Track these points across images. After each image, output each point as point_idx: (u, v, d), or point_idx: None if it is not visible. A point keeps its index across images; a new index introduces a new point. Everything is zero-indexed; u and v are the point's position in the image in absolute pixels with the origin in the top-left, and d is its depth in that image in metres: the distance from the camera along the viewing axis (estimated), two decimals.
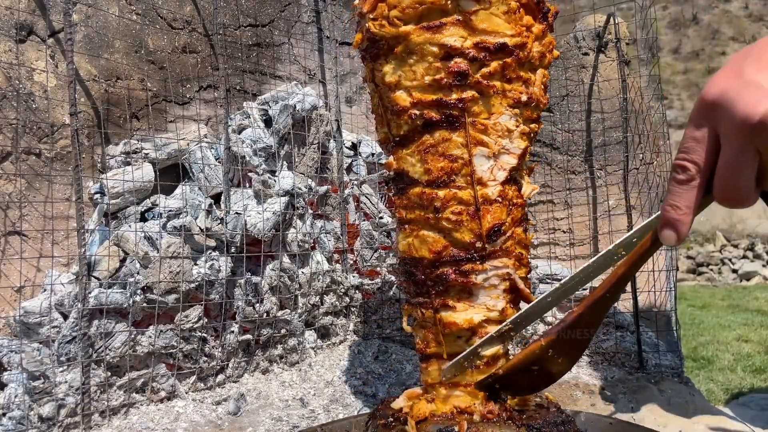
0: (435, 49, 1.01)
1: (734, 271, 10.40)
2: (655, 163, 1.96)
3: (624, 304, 1.92)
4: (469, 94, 1.02)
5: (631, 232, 0.93)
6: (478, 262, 1.06)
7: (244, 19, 1.89)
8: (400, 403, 1.10)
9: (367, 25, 1.03)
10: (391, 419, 1.07)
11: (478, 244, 1.05)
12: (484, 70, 1.02)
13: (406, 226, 1.09)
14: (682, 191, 0.78)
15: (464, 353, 1.06)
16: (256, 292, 1.66)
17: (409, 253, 1.08)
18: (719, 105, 0.72)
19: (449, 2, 0.99)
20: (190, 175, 1.64)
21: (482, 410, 1.04)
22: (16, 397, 1.29)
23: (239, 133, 1.75)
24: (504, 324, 1.04)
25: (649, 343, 1.84)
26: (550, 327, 1.02)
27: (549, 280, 1.96)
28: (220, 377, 1.61)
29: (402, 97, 1.04)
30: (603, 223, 2.02)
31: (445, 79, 1.01)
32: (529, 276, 1.15)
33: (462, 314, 1.07)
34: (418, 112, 1.03)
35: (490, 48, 1.01)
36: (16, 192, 1.45)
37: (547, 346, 0.99)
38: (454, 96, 1.02)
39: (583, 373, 1.80)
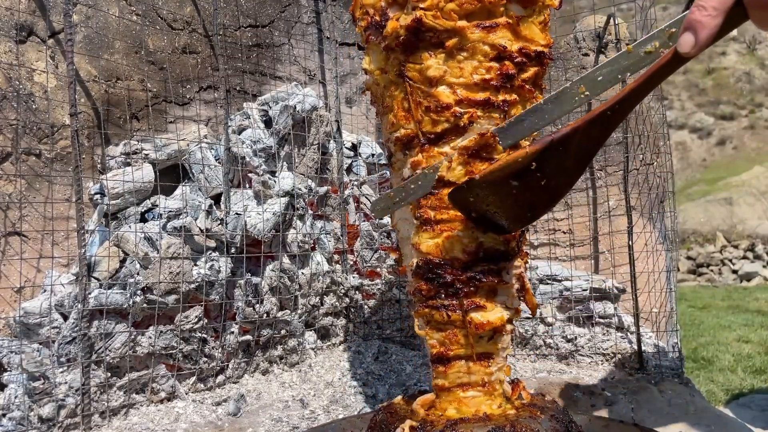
0: (487, 48, 1.01)
1: (734, 271, 10.40)
2: (655, 164, 1.96)
3: (624, 305, 1.92)
4: (512, 96, 1.04)
5: (598, 66, 0.84)
6: (509, 262, 1.08)
7: (244, 20, 1.89)
8: (417, 410, 1.09)
9: (417, 14, 0.99)
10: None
11: (513, 244, 1.07)
12: (524, 75, 1.04)
13: (436, 226, 1.06)
14: None
15: (396, 188, 1.03)
16: (256, 293, 1.66)
17: (437, 254, 1.05)
18: None
19: (501, 5, 1.00)
20: (190, 175, 1.64)
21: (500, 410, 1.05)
22: (16, 397, 1.29)
23: (239, 133, 1.75)
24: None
25: (650, 343, 1.84)
26: (542, 137, 0.89)
27: (549, 281, 1.96)
28: (220, 378, 1.61)
29: (445, 94, 1.02)
30: (603, 223, 2.02)
31: (494, 80, 1.02)
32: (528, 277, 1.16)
33: (492, 314, 1.07)
34: (462, 110, 1.02)
35: (530, 54, 1.03)
36: (16, 192, 1.45)
37: (532, 155, 0.86)
38: (501, 97, 1.03)
39: (583, 374, 1.80)
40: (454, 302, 1.06)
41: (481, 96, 1.02)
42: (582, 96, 0.85)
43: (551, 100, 0.87)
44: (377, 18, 1.05)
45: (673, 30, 0.78)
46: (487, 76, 1.01)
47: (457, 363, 1.07)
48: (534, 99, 1.07)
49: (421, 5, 0.99)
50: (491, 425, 0.98)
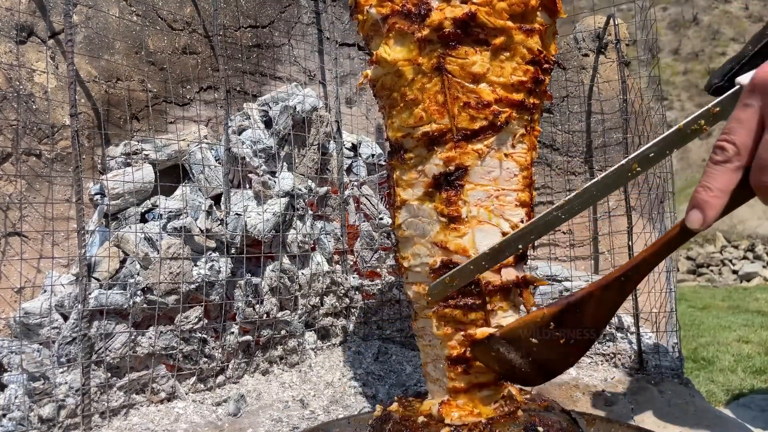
0: (525, 51, 1.03)
1: (734, 272, 10.40)
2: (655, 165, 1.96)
3: (624, 305, 1.92)
4: (537, 101, 1.07)
5: (649, 144, 0.86)
6: (524, 263, 1.12)
7: (244, 21, 1.89)
8: (440, 415, 1.09)
9: (470, 9, 0.99)
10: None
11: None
12: (546, 81, 1.08)
13: (467, 224, 1.06)
14: (716, 172, 0.74)
15: (452, 272, 1.02)
16: (256, 293, 1.66)
17: (464, 254, 1.05)
18: None
19: (536, 12, 1.03)
20: (191, 176, 1.64)
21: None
22: (16, 398, 1.29)
23: (239, 134, 1.75)
24: (497, 244, 0.98)
25: (649, 344, 1.84)
26: (559, 299, 0.95)
27: (549, 281, 1.96)
28: (220, 378, 1.61)
29: (486, 92, 1.02)
30: (603, 224, 2.02)
31: (528, 83, 1.04)
32: None
33: (509, 312, 1.09)
34: (500, 110, 1.03)
35: (550, 62, 1.07)
36: (17, 193, 1.45)
37: (550, 316, 0.92)
38: (531, 100, 1.06)
39: (583, 374, 1.80)
40: (478, 302, 1.06)
41: (516, 97, 1.04)
42: (635, 172, 0.87)
43: (609, 176, 0.89)
44: (410, 6, 1.02)
45: (717, 109, 0.79)
46: (523, 78, 1.03)
47: (476, 363, 1.08)
48: (543, 106, 1.12)
49: (475, 0, 0.99)
50: (523, 423, 1.02)
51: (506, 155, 1.06)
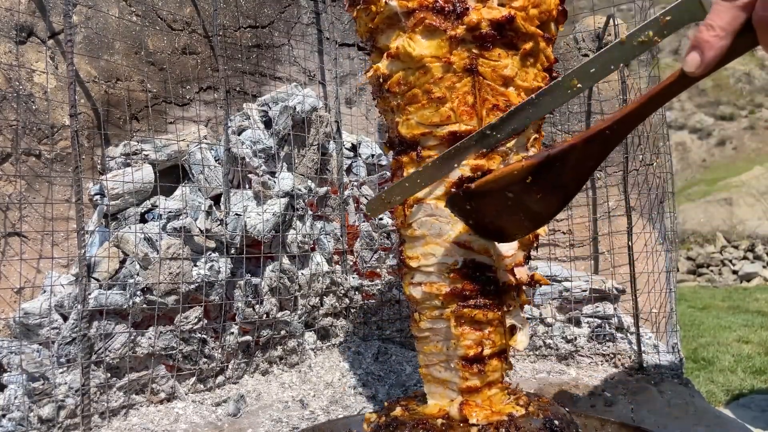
0: (544, 58, 1.05)
1: (734, 272, 10.39)
2: (655, 165, 1.96)
3: (624, 305, 1.92)
4: None
5: (591, 58, 0.80)
6: (528, 263, 1.14)
7: (243, 21, 1.89)
8: (463, 416, 1.09)
9: (509, 12, 0.99)
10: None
11: (536, 243, 1.14)
12: None
13: None
14: (722, 8, 0.70)
15: (388, 188, 1.02)
16: (256, 294, 1.66)
17: (487, 254, 1.06)
18: None
19: (552, 21, 1.05)
20: (190, 176, 1.64)
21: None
22: (15, 398, 1.29)
23: (239, 134, 1.75)
24: (438, 157, 0.97)
25: (649, 344, 1.84)
26: (537, 152, 0.88)
27: (549, 281, 1.96)
28: (220, 378, 1.61)
29: (514, 95, 1.03)
30: (603, 224, 2.02)
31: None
32: None
33: (519, 311, 1.12)
34: None
35: (555, 71, 1.10)
36: (16, 193, 1.45)
37: (528, 169, 0.85)
38: None
39: (583, 374, 1.80)
40: (495, 301, 1.07)
41: None
42: (575, 89, 0.82)
43: (544, 94, 0.85)
44: (443, 3, 1.00)
45: (668, 18, 0.74)
46: (541, 84, 1.05)
47: (490, 362, 1.09)
48: None
49: (514, 4, 1.00)
50: (541, 418, 1.05)
51: (522, 158, 1.09)
